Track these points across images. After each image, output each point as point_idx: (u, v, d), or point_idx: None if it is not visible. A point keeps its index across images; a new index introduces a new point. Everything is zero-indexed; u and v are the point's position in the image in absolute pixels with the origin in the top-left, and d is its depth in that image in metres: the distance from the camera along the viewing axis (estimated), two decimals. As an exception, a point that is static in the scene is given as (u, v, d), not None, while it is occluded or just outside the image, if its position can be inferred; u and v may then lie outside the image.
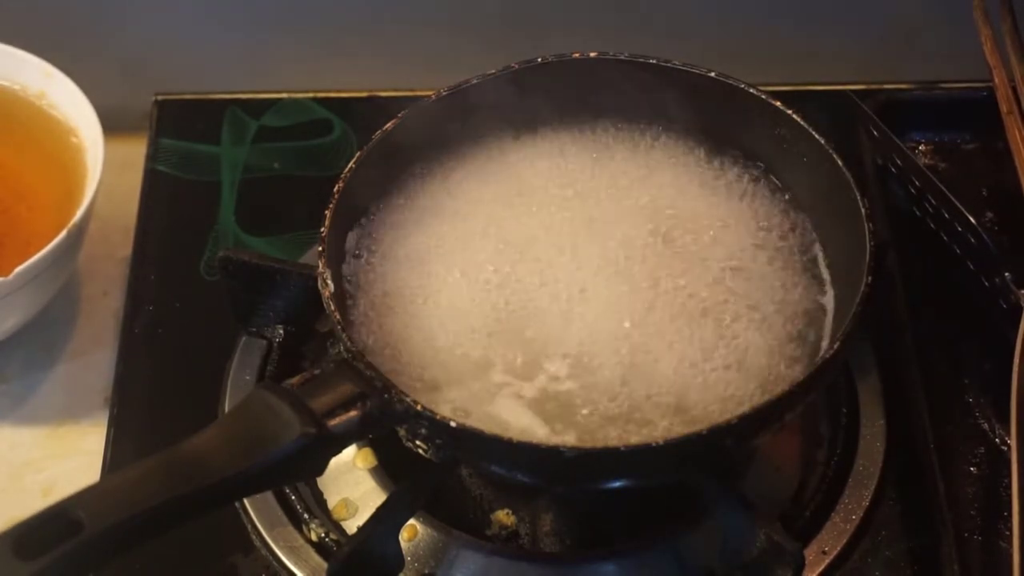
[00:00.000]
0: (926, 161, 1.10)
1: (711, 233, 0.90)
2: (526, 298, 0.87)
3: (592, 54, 0.94)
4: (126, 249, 1.07)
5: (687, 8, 1.17)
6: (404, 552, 0.87)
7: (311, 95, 1.16)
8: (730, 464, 0.90)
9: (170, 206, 1.10)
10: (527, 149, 0.95)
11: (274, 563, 0.90)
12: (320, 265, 0.84)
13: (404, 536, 0.88)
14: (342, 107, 1.15)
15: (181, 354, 1.01)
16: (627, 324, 0.86)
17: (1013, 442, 0.88)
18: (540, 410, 0.83)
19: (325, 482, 0.92)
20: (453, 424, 0.78)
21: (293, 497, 0.92)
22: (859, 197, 0.86)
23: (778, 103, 0.91)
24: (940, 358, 0.98)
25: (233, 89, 1.16)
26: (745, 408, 0.80)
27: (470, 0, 1.16)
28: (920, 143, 1.11)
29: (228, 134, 1.14)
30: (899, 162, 1.02)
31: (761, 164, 0.94)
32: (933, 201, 0.99)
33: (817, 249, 0.91)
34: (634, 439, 0.81)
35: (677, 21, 1.17)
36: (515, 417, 0.82)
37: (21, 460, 0.98)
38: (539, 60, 0.94)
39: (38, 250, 0.94)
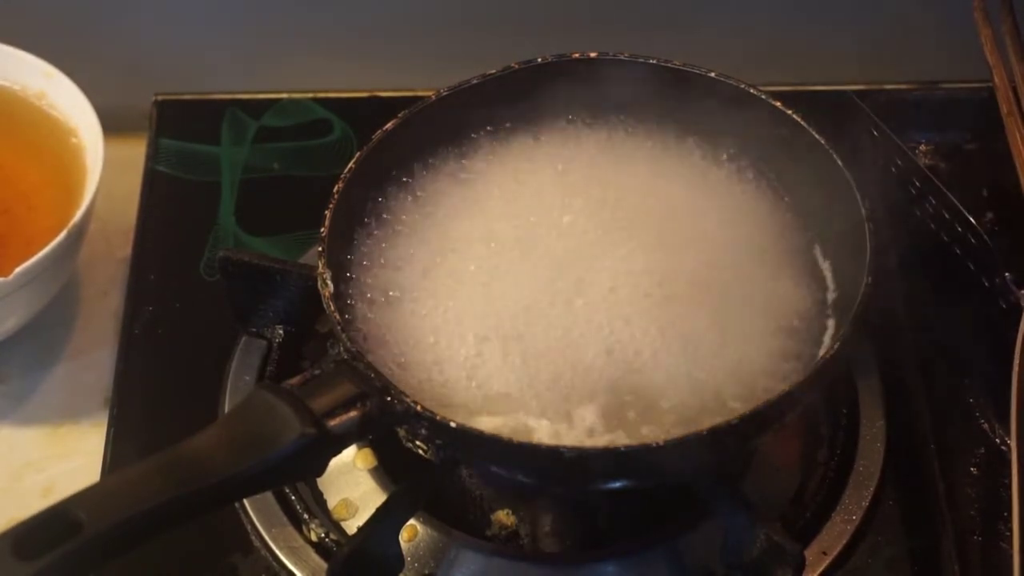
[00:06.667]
0: (926, 161, 1.09)
1: (710, 234, 0.90)
2: (528, 300, 0.87)
3: (592, 54, 0.94)
4: (126, 249, 1.07)
5: (688, 8, 1.17)
6: (404, 552, 0.87)
7: (311, 95, 1.16)
8: (730, 464, 0.90)
9: (170, 206, 1.10)
10: (527, 149, 0.95)
11: (274, 563, 0.90)
12: (320, 265, 0.84)
13: (404, 536, 0.88)
14: (342, 107, 1.15)
15: (181, 354, 1.01)
16: (626, 325, 0.86)
17: (1013, 442, 0.88)
18: (541, 413, 0.83)
19: (325, 482, 0.92)
20: (453, 424, 0.78)
21: (293, 497, 0.92)
22: (859, 197, 0.86)
23: (778, 103, 0.91)
24: (940, 358, 0.98)
25: (233, 89, 1.16)
26: (745, 408, 0.80)
27: (470, 0, 1.16)
28: (920, 143, 1.11)
29: (228, 134, 1.14)
30: (899, 162, 1.02)
31: (761, 164, 0.94)
32: (933, 201, 0.98)
33: (817, 249, 0.91)
34: (632, 440, 0.81)
35: (678, 21, 1.17)
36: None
37: (21, 460, 0.98)
38: (539, 60, 0.94)
39: (38, 250, 0.94)
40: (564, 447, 0.78)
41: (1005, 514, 0.90)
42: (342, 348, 0.82)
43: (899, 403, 0.95)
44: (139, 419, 0.97)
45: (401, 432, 0.81)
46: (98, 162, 0.99)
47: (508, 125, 0.96)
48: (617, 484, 0.84)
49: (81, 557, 0.69)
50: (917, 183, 1.00)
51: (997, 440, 0.94)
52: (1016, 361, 0.91)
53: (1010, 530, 0.87)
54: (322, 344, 0.98)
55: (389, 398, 0.79)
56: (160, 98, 1.15)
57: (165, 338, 1.02)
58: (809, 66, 1.15)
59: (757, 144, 0.93)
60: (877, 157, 1.06)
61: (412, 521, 0.88)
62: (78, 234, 0.98)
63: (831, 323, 0.87)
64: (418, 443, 0.81)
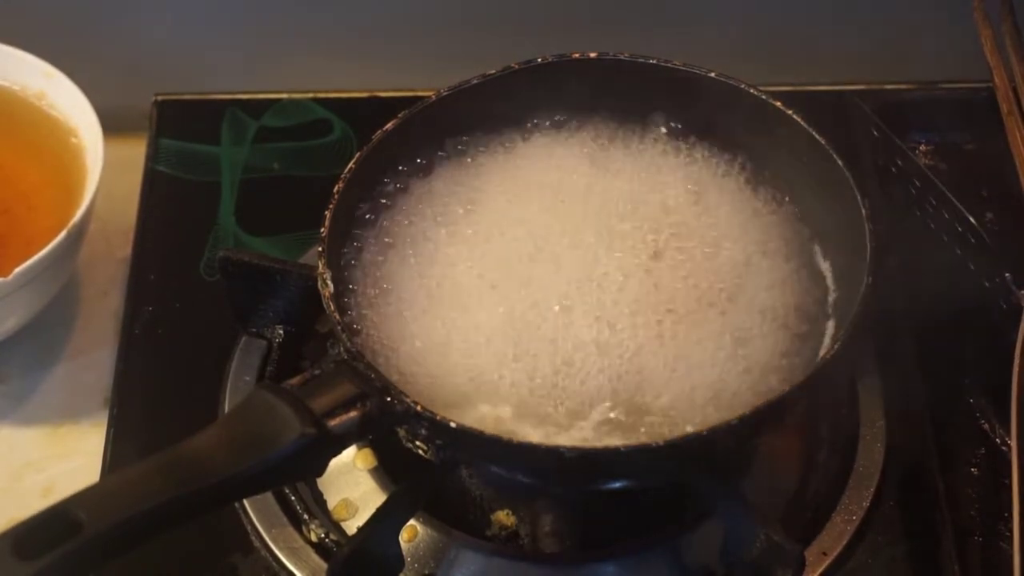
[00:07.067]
0: (926, 161, 1.09)
1: (711, 233, 0.90)
2: (530, 300, 0.87)
3: (592, 54, 0.94)
4: (126, 249, 1.07)
5: (688, 8, 1.17)
6: (404, 553, 0.87)
7: (311, 95, 1.16)
8: (730, 464, 0.90)
9: (170, 206, 1.10)
10: (528, 150, 0.95)
11: (274, 564, 0.90)
12: (320, 265, 0.84)
13: (404, 537, 0.88)
14: (342, 107, 1.15)
15: (181, 354, 1.01)
16: (626, 327, 0.86)
17: (1013, 442, 0.89)
18: (537, 416, 0.83)
19: (325, 483, 0.92)
20: (453, 424, 0.78)
21: (293, 498, 0.92)
22: (859, 197, 0.86)
23: (778, 103, 0.91)
24: (940, 358, 0.98)
25: (233, 89, 1.16)
26: (745, 409, 0.80)
27: (470, 0, 1.16)
28: (920, 143, 1.11)
29: (228, 134, 1.14)
30: (899, 162, 1.02)
31: (761, 164, 0.94)
32: (933, 201, 0.99)
33: (817, 249, 0.91)
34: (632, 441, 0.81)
35: (678, 21, 1.17)
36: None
37: (21, 460, 0.98)
38: (539, 60, 0.94)
39: (38, 250, 0.94)
40: (564, 447, 0.78)
41: (1005, 514, 0.90)
42: (342, 348, 0.82)
43: (899, 403, 0.95)
44: (139, 419, 0.97)
45: (401, 432, 0.81)
46: (98, 162, 0.99)
47: (508, 126, 0.96)
48: (617, 484, 0.84)
49: (81, 557, 0.69)
50: (917, 183, 1.00)
51: (997, 440, 0.94)
52: (1016, 361, 0.91)
53: (1010, 530, 0.87)
54: (322, 344, 0.98)
55: (389, 398, 0.79)
56: (160, 98, 1.15)
57: (165, 338, 1.02)
58: (809, 66, 1.15)
59: (757, 144, 0.93)
60: (877, 157, 1.06)
61: (412, 521, 0.88)
62: (78, 234, 0.98)
63: (831, 323, 0.87)
64: (418, 443, 0.81)
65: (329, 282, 0.84)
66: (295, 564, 0.89)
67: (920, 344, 0.98)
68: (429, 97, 0.93)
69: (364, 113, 1.13)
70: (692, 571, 0.88)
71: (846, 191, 0.87)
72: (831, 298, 0.88)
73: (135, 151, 1.12)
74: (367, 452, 0.93)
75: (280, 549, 0.90)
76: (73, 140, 1.04)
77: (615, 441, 0.81)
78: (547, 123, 0.96)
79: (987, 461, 0.94)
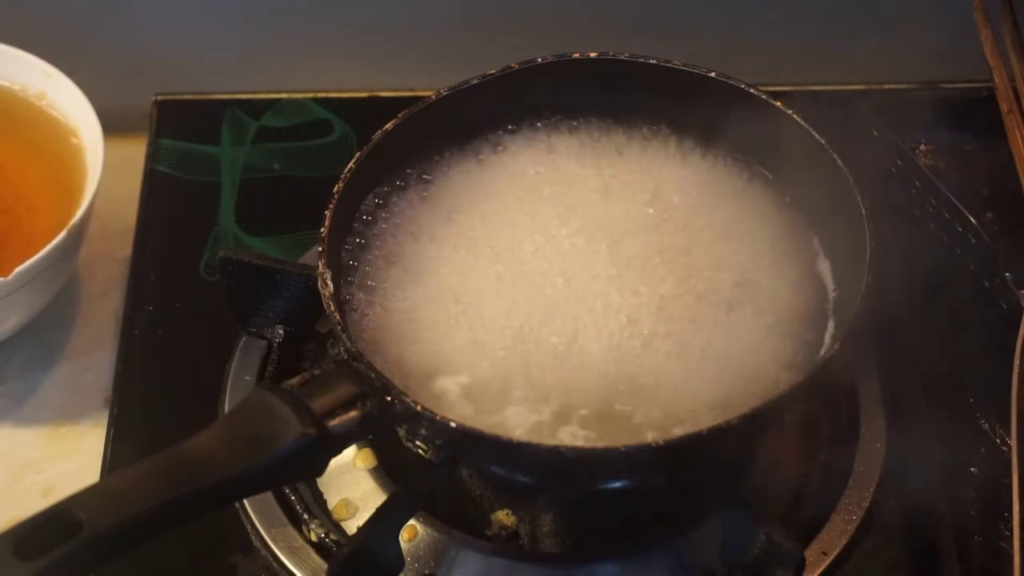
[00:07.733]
0: (926, 161, 1.09)
1: (711, 233, 0.90)
2: (529, 301, 0.87)
3: (592, 54, 0.94)
4: (126, 249, 1.07)
5: (687, 8, 1.17)
6: (404, 552, 0.87)
7: (311, 95, 1.16)
8: (730, 464, 0.90)
9: (170, 206, 1.10)
10: (528, 150, 0.95)
11: (274, 563, 0.90)
12: (320, 265, 0.84)
13: (404, 536, 0.88)
14: (342, 107, 1.15)
15: (181, 354, 1.01)
16: (626, 326, 0.86)
17: (1013, 442, 0.89)
18: (541, 414, 0.83)
19: (325, 482, 0.92)
20: (453, 424, 0.78)
21: (293, 497, 0.92)
22: (859, 197, 0.86)
23: (778, 103, 0.91)
24: (940, 358, 0.98)
25: (233, 89, 1.16)
26: (745, 409, 0.80)
27: (470, 0, 1.16)
28: (920, 143, 1.11)
29: (228, 134, 1.14)
30: (899, 162, 1.02)
31: (761, 164, 0.94)
32: (933, 201, 0.99)
33: (817, 249, 0.91)
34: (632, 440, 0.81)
35: (677, 21, 1.17)
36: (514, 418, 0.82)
37: (21, 460, 0.98)
38: (539, 60, 0.94)
39: (38, 250, 0.94)
40: (564, 447, 0.78)
41: (1005, 514, 0.90)
42: (342, 348, 0.82)
43: (899, 403, 0.95)
44: (139, 419, 0.97)
45: (401, 432, 0.81)
46: (98, 162, 0.99)
47: (508, 126, 0.96)
48: (617, 484, 0.84)
49: (81, 557, 0.69)
50: (917, 183, 1.00)
51: (997, 440, 0.94)
52: (1016, 361, 0.91)
53: (1010, 530, 0.87)
54: (322, 344, 0.98)
55: (389, 398, 0.79)
56: (160, 98, 1.15)
57: (165, 338, 1.02)
58: (809, 66, 1.15)
59: (757, 144, 0.93)
60: (877, 157, 1.06)
61: (412, 521, 0.88)
62: (78, 234, 0.98)
63: (831, 323, 0.87)
64: (418, 443, 0.81)
65: (329, 282, 0.84)
66: (295, 564, 0.89)
67: (920, 344, 0.97)
68: (429, 97, 0.93)
69: (364, 113, 1.13)
70: (692, 571, 0.88)
71: (846, 191, 0.87)
72: (831, 298, 0.88)
73: (135, 151, 1.12)
74: (367, 452, 0.93)
75: (280, 549, 0.90)
76: (73, 140, 1.04)
77: (612, 440, 0.81)
78: (547, 123, 0.96)
79: (987, 461, 0.94)
